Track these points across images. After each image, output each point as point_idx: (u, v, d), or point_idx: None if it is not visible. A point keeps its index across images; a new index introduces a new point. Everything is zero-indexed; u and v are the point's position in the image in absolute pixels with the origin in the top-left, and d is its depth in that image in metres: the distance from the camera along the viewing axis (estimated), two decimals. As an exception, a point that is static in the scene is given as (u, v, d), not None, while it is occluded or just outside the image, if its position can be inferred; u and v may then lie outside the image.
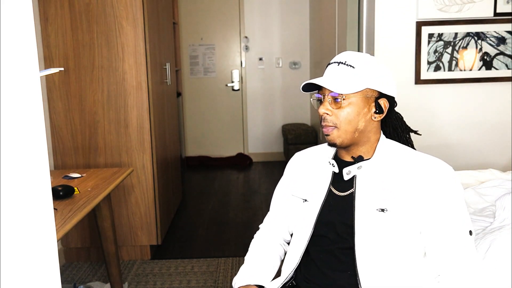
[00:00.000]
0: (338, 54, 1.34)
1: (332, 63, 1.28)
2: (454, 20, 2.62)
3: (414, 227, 1.20)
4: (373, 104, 1.26)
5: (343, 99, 1.22)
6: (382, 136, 1.31)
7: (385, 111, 1.27)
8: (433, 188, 1.19)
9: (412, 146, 1.38)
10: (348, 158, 1.31)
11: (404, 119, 1.40)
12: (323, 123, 1.26)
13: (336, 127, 1.25)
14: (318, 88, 1.29)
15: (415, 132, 1.41)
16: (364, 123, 1.25)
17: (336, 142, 1.26)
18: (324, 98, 1.26)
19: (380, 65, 1.26)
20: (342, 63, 1.25)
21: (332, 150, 1.37)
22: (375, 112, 1.26)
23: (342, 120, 1.24)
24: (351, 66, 1.23)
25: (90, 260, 2.97)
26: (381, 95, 1.26)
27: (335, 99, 1.23)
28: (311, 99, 1.36)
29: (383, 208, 1.21)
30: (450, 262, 1.18)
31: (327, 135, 1.27)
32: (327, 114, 1.25)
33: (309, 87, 1.30)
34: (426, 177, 1.21)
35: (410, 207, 1.20)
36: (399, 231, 1.20)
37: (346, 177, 1.28)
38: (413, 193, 1.20)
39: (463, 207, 1.21)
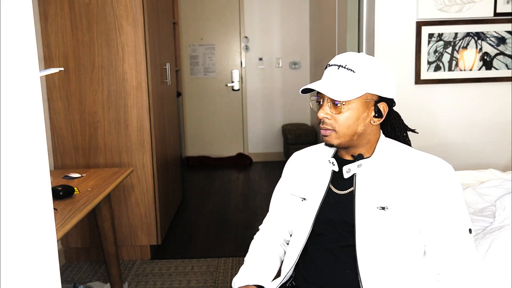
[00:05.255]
0: (338, 54, 1.32)
1: (331, 65, 1.26)
2: (454, 20, 2.62)
3: (414, 226, 1.21)
4: (373, 108, 1.25)
5: (343, 105, 1.22)
6: (382, 135, 1.31)
7: (384, 115, 1.27)
8: (432, 186, 1.20)
9: (410, 145, 1.38)
10: (348, 157, 1.32)
11: (404, 119, 1.40)
12: (322, 126, 1.26)
13: (334, 130, 1.24)
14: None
15: (413, 131, 1.40)
16: (363, 127, 1.25)
17: (334, 143, 1.26)
18: (323, 101, 1.25)
19: (380, 67, 1.25)
20: (342, 66, 1.23)
21: (332, 149, 1.37)
22: (374, 116, 1.26)
23: (341, 124, 1.23)
24: (351, 70, 1.22)
25: (90, 260, 2.97)
26: (381, 98, 1.26)
27: (334, 103, 1.23)
28: (310, 101, 1.35)
29: (383, 206, 1.21)
30: (449, 260, 1.18)
31: (325, 136, 1.27)
32: (327, 118, 1.24)
33: (309, 88, 1.30)
34: (425, 175, 1.21)
35: (410, 205, 1.20)
36: (400, 229, 1.20)
37: (346, 175, 1.28)
38: (413, 191, 1.20)
39: (462, 205, 1.22)
